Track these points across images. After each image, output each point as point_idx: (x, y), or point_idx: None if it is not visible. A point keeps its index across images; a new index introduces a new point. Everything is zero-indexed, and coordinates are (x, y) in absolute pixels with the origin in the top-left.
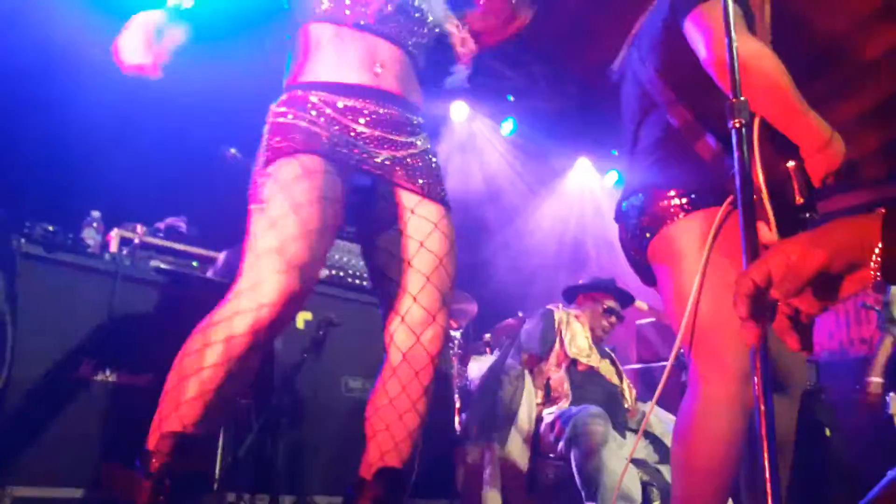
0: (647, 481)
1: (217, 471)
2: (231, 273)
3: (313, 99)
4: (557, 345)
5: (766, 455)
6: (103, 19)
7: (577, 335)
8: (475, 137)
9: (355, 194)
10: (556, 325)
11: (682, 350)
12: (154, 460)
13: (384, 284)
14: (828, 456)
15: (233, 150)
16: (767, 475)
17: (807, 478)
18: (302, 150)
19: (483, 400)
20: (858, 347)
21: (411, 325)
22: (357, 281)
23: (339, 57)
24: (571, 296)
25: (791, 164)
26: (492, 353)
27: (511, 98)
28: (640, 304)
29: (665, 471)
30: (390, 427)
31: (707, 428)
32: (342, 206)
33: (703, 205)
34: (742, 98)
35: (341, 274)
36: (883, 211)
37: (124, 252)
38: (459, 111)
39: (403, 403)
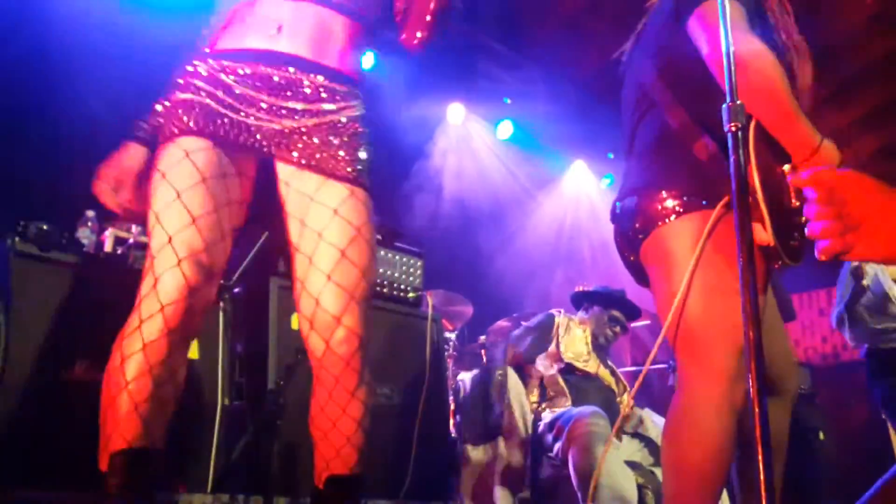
0: (641, 483)
1: (211, 472)
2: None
3: (201, 70)
4: (553, 347)
5: (760, 458)
6: (99, 17)
7: (575, 341)
8: (471, 139)
9: (260, 174)
10: (554, 330)
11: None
12: (110, 481)
13: (294, 283)
14: (820, 459)
15: None
16: (762, 477)
17: (800, 481)
18: (182, 131)
19: (474, 402)
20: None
21: (319, 331)
22: None
23: (236, 26)
24: (580, 301)
25: (787, 166)
26: (486, 355)
27: (508, 101)
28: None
29: (659, 473)
30: (328, 435)
31: (696, 427)
32: (241, 180)
33: (696, 207)
34: (739, 102)
35: None
36: None
37: (119, 251)
38: (456, 113)
39: (334, 411)
